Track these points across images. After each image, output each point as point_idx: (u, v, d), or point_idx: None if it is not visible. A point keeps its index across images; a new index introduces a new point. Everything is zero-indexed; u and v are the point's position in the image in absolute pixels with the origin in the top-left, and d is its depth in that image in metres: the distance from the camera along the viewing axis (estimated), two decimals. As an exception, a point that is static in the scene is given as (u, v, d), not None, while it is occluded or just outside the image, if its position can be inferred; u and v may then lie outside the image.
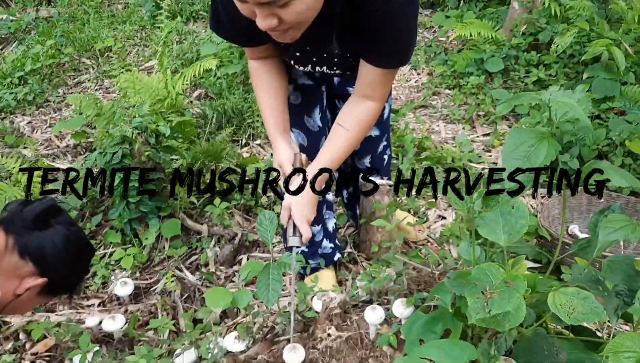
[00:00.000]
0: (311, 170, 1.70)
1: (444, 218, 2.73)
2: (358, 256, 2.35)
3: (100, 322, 2.06)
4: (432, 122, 3.51)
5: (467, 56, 3.81)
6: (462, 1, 4.65)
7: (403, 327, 1.38)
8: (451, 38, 4.22)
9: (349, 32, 1.48)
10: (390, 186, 2.26)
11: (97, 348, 1.65)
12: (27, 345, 2.16)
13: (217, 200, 2.54)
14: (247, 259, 2.42)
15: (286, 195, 1.63)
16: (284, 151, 1.78)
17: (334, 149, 1.70)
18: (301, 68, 1.75)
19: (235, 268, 2.40)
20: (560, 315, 1.15)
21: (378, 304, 1.55)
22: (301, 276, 2.27)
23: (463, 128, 3.41)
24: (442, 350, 1.14)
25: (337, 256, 2.29)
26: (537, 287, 1.37)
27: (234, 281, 2.29)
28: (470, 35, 3.85)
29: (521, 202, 1.25)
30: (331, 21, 1.43)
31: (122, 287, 2.22)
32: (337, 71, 1.72)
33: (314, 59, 1.64)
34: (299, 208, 1.62)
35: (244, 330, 1.76)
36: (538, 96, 1.24)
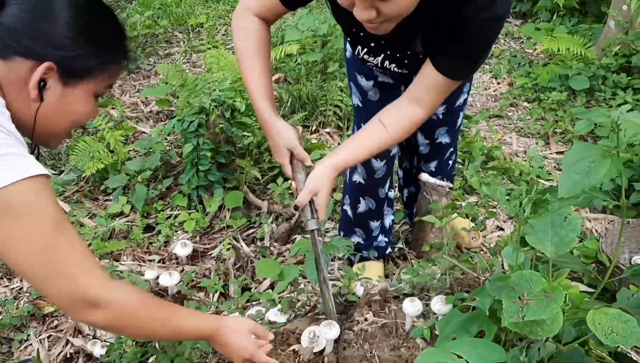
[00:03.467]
0: (336, 158, 1.58)
1: (502, 229, 2.69)
2: (408, 252, 2.38)
3: (158, 277, 2.21)
4: (505, 133, 3.45)
5: (552, 71, 3.70)
6: (555, 14, 4.51)
7: (439, 323, 1.41)
8: (538, 51, 4.11)
9: (437, 33, 1.47)
10: (450, 188, 2.27)
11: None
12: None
13: (280, 179, 2.63)
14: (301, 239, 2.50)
15: (310, 179, 1.55)
16: (288, 131, 1.62)
17: (367, 144, 1.59)
18: (369, 58, 1.73)
19: (289, 246, 2.48)
20: (598, 334, 1.14)
21: (419, 298, 1.58)
22: (350, 262, 2.32)
23: (536, 143, 3.33)
24: (471, 347, 1.16)
25: (389, 250, 2.33)
26: (582, 307, 1.35)
27: (284, 257, 2.38)
28: (558, 50, 3.73)
29: (575, 215, 1.25)
30: (423, 18, 1.41)
31: (182, 248, 2.36)
32: (403, 71, 1.73)
33: (388, 52, 1.67)
34: (323, 194, 1.55)
35: (288, 304, 1.84)
36: (607, 113, 1.23)
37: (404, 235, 2.47)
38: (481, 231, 2.58)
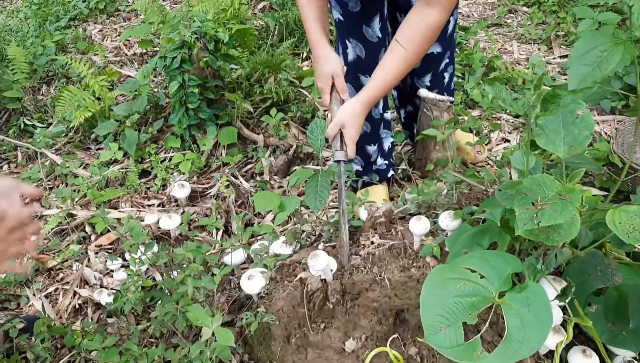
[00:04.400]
0: (363, 93, 1.59)
1: (507, 140, 2.60)
2: (412, 173, 2.30)
3: (158, 221, 2.15)
4: (505, 41, 3.29)
5: (552, -30, 3.49)
6: None
7: (448, 239, 1.34)
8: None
9: None
10: (450, 102, 2.16)
11: (149, 240, 1.71)
12: (92, 237, 2.31)
13: (273, 111, 2.53)
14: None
15: (339, 112, 1.57)
16: (335, 59, 1.68)
17: (389, 69, 1.56)
18: None
19: (289, 178, 2.41)
20: (619, 233, 1.07)
21: (425, 217, 1.51)
22: (353, 189, 2.25)
23: (539, 49, 3.18)
24: (484, 260, 1.10)
25: (391, 173, 2.25)
26: (598, 209, 1.28)
27: (285, 189, 2.31)
28: (558, -53, 3.50)
29: (587, 111, 1.15)
30: None
31: (180, 189, 2.30)
32: None
33: None
34: (351, 128, 1.56)
35: (292, 235, 1.79)
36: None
37: (406, 156, 2.39)
38: (486, 144, 2.49)
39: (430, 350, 1.40)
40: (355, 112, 1.57)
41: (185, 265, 1.53)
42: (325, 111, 2.66)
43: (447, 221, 1.38)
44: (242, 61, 2.72)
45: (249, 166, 2.51)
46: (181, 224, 2.09)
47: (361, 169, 2.19)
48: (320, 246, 1.68)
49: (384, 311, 1.42)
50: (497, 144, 2.56)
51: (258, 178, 2.43)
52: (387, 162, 2.22)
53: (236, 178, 2.42)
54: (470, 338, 1.01)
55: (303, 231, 1.84)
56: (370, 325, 1.42)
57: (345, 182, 2.24)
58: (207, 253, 1.74)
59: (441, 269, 1.10)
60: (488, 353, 1.00)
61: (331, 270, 1.45)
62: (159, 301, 1.66)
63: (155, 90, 2.95)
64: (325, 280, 1.45)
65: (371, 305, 1.42)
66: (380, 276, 1.40)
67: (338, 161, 1.62)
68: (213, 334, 1.22)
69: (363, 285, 1.41)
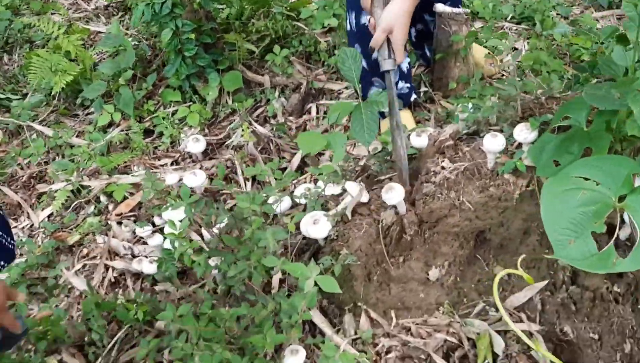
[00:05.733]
0: None
1: (515, 48, 2.55)
2: (434, 94, 2.23)
3: (181, 179, 2.04)
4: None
5: None
6: None
7: (530, 151, 1.30)
8: None
9: None
10: (467, 14, 2.08)
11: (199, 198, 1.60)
12: (110, 207, 2.18)
13: (276, 48, 2.38)
14: (317, 108, 2.32)
15: (384, 16, 1.47)
16: None
17: None
18: None
19: (306, 117, 2.31)
20: None
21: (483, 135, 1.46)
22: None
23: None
24: (595, 167, 1.06)
25: (413, 96, 2.18)
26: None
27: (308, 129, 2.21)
28: None
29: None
30: None
31: (195, 144, 2.17)
32: None
33: None
34: (399, 31, 1.47)
35: (337, 174, 1.71)
36: None
37: (425, 77, 2.31)
38: (499, 55, 2.43)
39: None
40: (404, 10, 1.50)
41: (251, 218, 1.44)
42: (327, 43, 2.52)
43: (525, 133, 1.33)
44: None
45: (259, 110, 2.38)
46: (209, 179, 1.98)
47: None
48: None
49: (465, 234, 1.38)
50: (507, 55, 2.50)
51: (273, 121, 2.31)
52: (408, 85, 2.14)
53: (250, 124, 2.30)
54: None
55: (344, 167, 1.77)
56: (452, 250, 1.39)
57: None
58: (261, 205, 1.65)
59: (553, 183, 1.06)
60: (622, 259, 0.97)
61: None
62: (218, 261, 1.57)
63: (137, 42, 2.73)
64: (397, 212, 1.40)
65: (452, 231, 1.38)
66: (458, 199, 1.36)
67: (387, 71, 1.54)
68: (315, 283, 1.15)
69: (442, 211, 1.37)
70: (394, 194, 1.32)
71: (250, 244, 1.42)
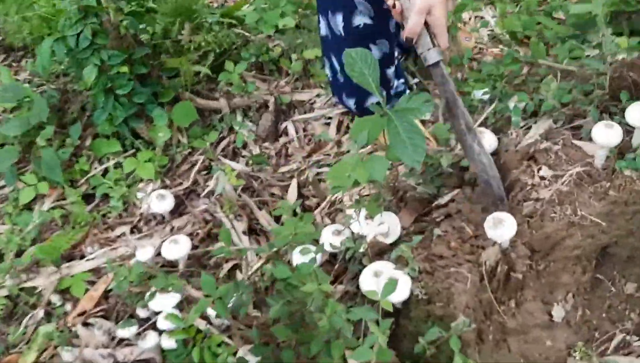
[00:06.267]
0: None
1: (482, 17, 2.32)
2: (427, 83, 1.94)
3: (158, 254, 1.60)
4: None
5: None
6: None
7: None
8: None
9: None
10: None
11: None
12: (68, 307, 1.66)
13: (228, 63, 1.97)
14: (294, 126, 1.94)
15: None
16: None
17: None
18: None
19: (283, 139, 1.92)
20: None
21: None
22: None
23: None
24: None
25: (407, 91, 1.88)
26: None
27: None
28: None
29: None
30: None
31: (160, 202, 1.72)
32: None
33: None
34: (441, 11, 1.15)
35: (373, 205, 1.36)
36: None
37: (411, 67, 2.00)
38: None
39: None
40: None
41: (317, 301, 1.04)
42: (280, 47, 2.13)
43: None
44: (152, 17, 2.05)
45: (224, 143, 1.95)
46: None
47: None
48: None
49: (587, 255, 1.09)
50: (478, 26, 2.26)
51: (245, 153, 1.90)
52: (402, 80, 1.84)
53: (219, 161, 1.87)
54: None
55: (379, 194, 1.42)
56: (574, 277, 1.10)
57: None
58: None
59: None
60: None
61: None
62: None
63: (42, 90, 2.18)
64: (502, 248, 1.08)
65: (571, 255, 1.09)
66: (576, 215, 1.06)
67: (436, 64, 1.22)
68: None
69: (559, 234, 1.07)
70: (505, 228, 0.99)
71: (320, 335, 1.04)
